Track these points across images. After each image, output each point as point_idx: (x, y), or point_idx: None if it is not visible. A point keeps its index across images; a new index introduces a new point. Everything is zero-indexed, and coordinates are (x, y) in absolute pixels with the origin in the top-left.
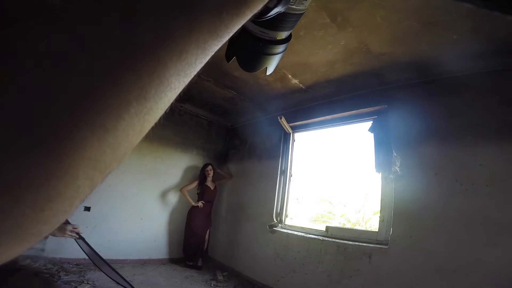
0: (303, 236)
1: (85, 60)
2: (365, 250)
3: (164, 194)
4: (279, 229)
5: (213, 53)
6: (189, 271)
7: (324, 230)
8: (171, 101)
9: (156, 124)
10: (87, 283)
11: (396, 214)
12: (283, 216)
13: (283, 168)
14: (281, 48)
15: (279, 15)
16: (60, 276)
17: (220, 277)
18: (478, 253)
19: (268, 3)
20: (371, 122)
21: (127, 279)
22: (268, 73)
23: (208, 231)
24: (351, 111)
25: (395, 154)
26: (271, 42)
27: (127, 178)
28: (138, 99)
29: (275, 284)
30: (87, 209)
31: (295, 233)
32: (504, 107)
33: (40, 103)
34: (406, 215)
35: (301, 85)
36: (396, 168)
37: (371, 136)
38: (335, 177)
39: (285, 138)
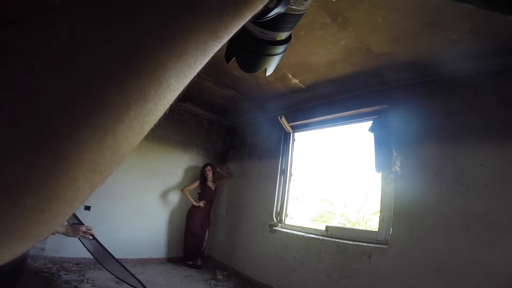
0: (303, 235)
1: (85, 61)
2: (365, 250)
3: (164, 194)
4: (279, 229)
5: (212, 54)
6: (189, 270)
7: (324, 229)
8: (171, 102)
9: (155, 125)
10: (87, 282)
11: (396, 214)
12: (283, 215)
13: (283, 167)
14: (281, 48)
15: (279, 16)
16: (60, 275)
17: (220, 277)
18: (478, 253)
19: (268, 3)
20: (371, 122)
21: (128, 279)
22: (268, 73)
23: (207, 231)
24: (351, 111)
25: (395, 154)
26: (271, 42)
27: (127, 177)
28: (137, 101)
29: (275, 284)
30: (87, 208)
31: (295, 232)
32: (504, 107)
33: (40, 103)
34: (406, 215)
35: (301, 84)
36: (396, 168)
37: (371, 136)
38: (335, 176)
39: (285, 138)
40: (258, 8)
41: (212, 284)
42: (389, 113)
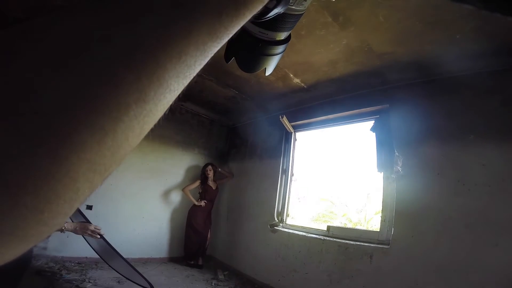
0: (304, 235)
1: (85, 62)
2: (366, 250)
3: (165, 193)
4: (280, 229)
5: (212, 55)
6: (190, 270)
7: (326, 229)
8: (170, 103)
9: (155, 125)
10: (89, 282)
11: (397, 214)
12: (284, 215)
13: (285, 167)
14: (280, 48)
15: (279, 16)
16: (62, 275)
17: (221, 276)
18: (479, 253)
19: (267, 4)
20: (373, 121)
21: (134, 277)
22: (267, 73)
23: (209, 230)
24: (352, 111)
25: (397, 153)
26: (270, 42)
27: (128, 177)
28: (137, 102)
29: (276, 284)
30: (89, 207)
31: (296, 232)
32: (506, 107)
33: (40, 104)
34: (407, 215)
35: (302, 84)
36: (398, 167)
37: (373, 135)
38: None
39: (287, 138)
40: (257, 8)
41: (213, 284)
42: (390, 113)
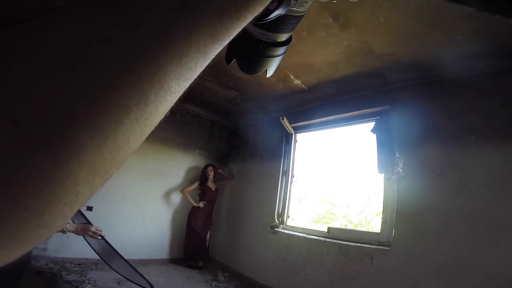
0: (305, 237)
1: (86, 64)
2: (367, 251)
3: (166, 195)
4: (280, 230)
5: (213, 57)
6: (190, 271)
7: (326, 231)
8: (171, 105)
9: (156, 127)
10: (89, 283)
11: (398, 215)
12: (285, 216)
13: (285, 168)
14: (281, 50)
15: (280, 17)
16: (61, 276)
17: (221, 278)
18: (480, 254)
19: (268, 5)
20: (374, 123)
21: (135, 278)
22: (268, 75)
23: (209, 231)
24: (353, 112)
25: (397, 155)
26: (271, 44)
27: (129, 178)
28: (138, 104)
29: (276, 285)
30: (89, 208)
31: (297, 234)
32: (507, 108)
33: (40, 106)
34: (408, 216)
35: (303, 85)
36: (399, 169)
37: (373, 137)
38: (337, 178)
39: (287, 139)
40: (259, 10)
41: (213, 285)
42: (391, 114)
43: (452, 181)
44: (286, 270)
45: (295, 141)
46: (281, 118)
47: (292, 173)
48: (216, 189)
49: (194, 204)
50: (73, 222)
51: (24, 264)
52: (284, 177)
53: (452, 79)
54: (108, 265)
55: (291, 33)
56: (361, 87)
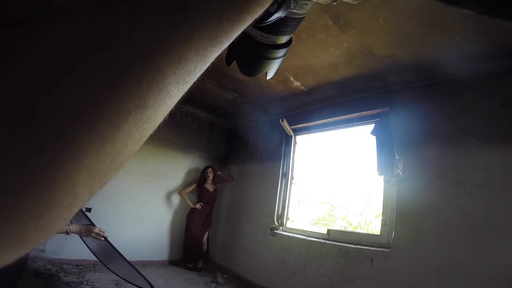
0: (304, 239)
1: (85, 67)
2: (367, 253)
3: (165, 196)
4: (280, 232)
5: (213, 60)
6: (189, 273)
7: (326, 233)
8: (170, 108)
9: (155, 131)
10: (87, 284)
11: (398, 217)
12: (284, 218)
13: (285, 170)
14: (281, 52)
15: (280, 20)
16: (59, 277)
17: (220, 280)
18: (480, 256)
19: (269, 8)
20: (373, 124)
21: (134, 279)
22: (269, 77)
23: (207, 233)
24: (353, 114)
25: (397, 156)
26: (271, 46)
27: (128, 179)
28: (137, 108)
29: (276, 287)
30: (88, 210)
31: (296, 236)
32: (507, 110)
33: (40, 108)
34: (408, 218)
35: (303, 87)
36: (399, 171)
37: (373, 138)
38: (337, 179)
39: (287, 141)
40: (259, 12)
41: (212, 287)
42: (391, 116)
43: (452, 182)
44: (285, 272)
45: (295, 143)
46: (280, 120)
47: (291, 175)
48: (215, 190)
49: (191, 205)
50: (76, 224)
51: (21, 265)
52: (284, 179)
53: (452, 80)
54: (105, 266)
55: (291, 35)
56: (360, 89)
